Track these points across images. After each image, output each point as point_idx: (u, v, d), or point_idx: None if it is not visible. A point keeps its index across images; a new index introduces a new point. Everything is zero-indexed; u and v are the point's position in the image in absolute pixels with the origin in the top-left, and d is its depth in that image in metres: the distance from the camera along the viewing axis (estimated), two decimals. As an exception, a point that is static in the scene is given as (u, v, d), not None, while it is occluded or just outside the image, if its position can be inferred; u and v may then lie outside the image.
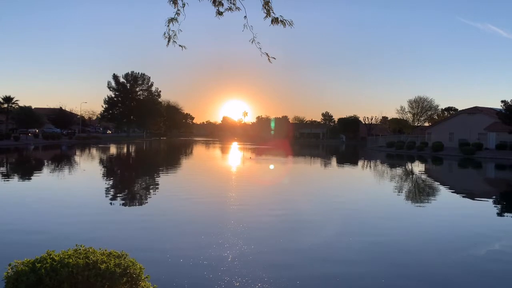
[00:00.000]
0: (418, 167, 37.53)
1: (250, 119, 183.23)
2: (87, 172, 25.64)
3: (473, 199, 18.09)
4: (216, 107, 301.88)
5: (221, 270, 7.22)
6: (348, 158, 52.55)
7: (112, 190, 18.56)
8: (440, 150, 56.41)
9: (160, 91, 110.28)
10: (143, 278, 3.89)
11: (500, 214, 14.78)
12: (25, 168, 28.41)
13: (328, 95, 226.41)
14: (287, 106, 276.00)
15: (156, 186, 20.02)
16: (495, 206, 16.57)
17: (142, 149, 60.70)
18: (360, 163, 43.27)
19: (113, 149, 55.87)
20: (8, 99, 73.58)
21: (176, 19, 4.90)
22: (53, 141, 67.51)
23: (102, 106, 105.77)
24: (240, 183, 21.91)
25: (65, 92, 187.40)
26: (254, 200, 15.81)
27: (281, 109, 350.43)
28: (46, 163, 33.03)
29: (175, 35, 5.00)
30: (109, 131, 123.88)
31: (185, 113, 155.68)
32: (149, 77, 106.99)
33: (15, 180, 21.15)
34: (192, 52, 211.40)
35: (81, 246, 3.96)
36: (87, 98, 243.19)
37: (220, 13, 4.96)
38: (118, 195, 17.05)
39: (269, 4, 4.84)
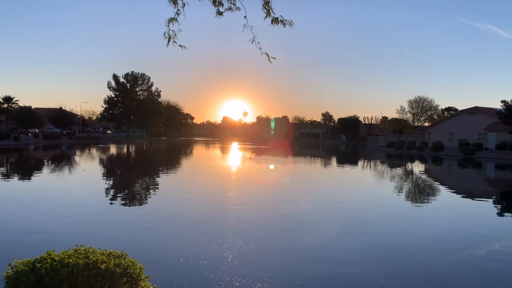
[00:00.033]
0: (418, 167, 37.53)
1: (250, 119, 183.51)
2: (87, 172, 25.64)
3: (473, 199, 18.09)
4: (216, 107, 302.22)
5: (221, 270, 7.22)
6: (348, 158, 52.55)
7: (112, 190, 18.56)
8: (440, 150, 56.41)
9: (160, 91, 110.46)
10: (143, 278, 3.89)
11: (500, 214, 14.78)
12: (25, 168, 28.41)
13: (328, 95, 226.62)
14: (287, 106, 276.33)
15: (156, 186, 20.02)
16: (495, 206, 16.57)
17: (142, 149, 60.71)
18: (360, 163, 43.27)
19: (113, 149, 55.88)
20: (8, 99, 73.59)
21: (176, 19, 4.90)
22: (53, 141, 67.51)
23: (102, 106, 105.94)
24: (240, 183, 21.91)
25: (65, 92, 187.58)
26: (254, 200, 15.82)
27: (281, 109, 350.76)
28: (46, 163, 33.03)
29: (175, 35, 5.00)
30: (109, 131, 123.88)
31: (185, 113, 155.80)
32: (149, 77, 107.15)
33: (15, 180, 21.15)
34: (192, 52, 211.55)
35: (81, 246, 3.96)
36: (87, 98, 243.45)
37: (220, 13, 4.96)
38: (118, 195, 17.06)
39: (269, 4, 4.84)
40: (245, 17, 4.89)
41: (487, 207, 15.92)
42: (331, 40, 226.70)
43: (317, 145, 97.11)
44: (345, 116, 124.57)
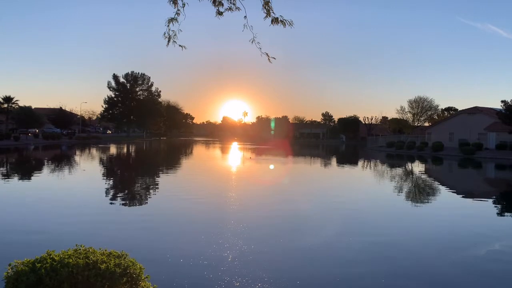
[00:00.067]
0: (418, 167, 37.53)
1: (250, 119, 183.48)
2: (87, 172, 25.64)
3: (473, 199, 18.09)
4: (216, 107, 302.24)
5: (221, 270, 7.22)
6: (348, 158, 52.55)
7: (112, 190, 18.56)
8: (440, 150, 56.41)
9: (160, 91, 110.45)
10: (143, 278, 3.89)
11: (500, 214, 14.78)
12: (25, 168, 28.41)
13: (328, 95, 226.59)
14: (287, 106, 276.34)
15: (156, 186, 20.02)
16: (495, 206, 16.57)
17: (142, 149, 60.71)
18: (360, 163, 43.27)
19: (113, 149, 55.88)
20: (8, 99, 73.58)
21: (176, 19, 4.90)
22: (53, 141, 67.52)
23: (102, 106, 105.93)
24: (240, 183, 21.92)
25: (65, 92, 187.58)
26: (254, 200, 15.82)
27: (281, 109, 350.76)
28: (46, 163, 33.03)
29: (175, 35, 5.00)
30: (109, 131, 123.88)
31: (185, 113, 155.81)
32: (149, 77, 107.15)
33: (15, 180, 21.15)
34: (192, 52, 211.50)
35: (81, 246, 3.96)
36: (87, 98, 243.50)
37: (220, 13, 4.96)
38: (118, 195, 17.06)
39: (269, 4, 4.84)
40: (245, 17, 4.89)
41: (487, 207, 15.92)
42: (331, 40, 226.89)
43: (317, 145, 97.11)
44: (345, 116, 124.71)
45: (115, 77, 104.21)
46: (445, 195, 19.04)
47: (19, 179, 21.80)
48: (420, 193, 20.04)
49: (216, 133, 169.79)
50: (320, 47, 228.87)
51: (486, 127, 59.44)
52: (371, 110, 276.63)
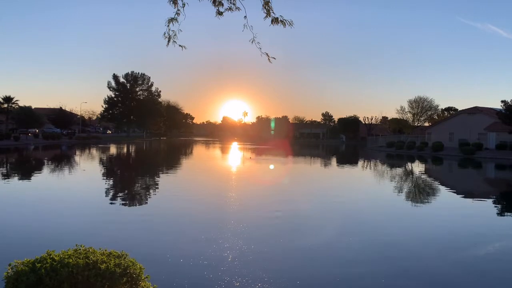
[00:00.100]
0: (418, 167, 37.53)
1: (250, 119, 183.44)
2: (87, 172, 25.65)
3: (473, 199, 18.09)
4: (216, 107, 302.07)
5: (221, 270, 7.22)
6: (348, 158, 52.55)
7: (112, 190, 18.56)
8: (440, 150, 56.41)
9: (160, 91, 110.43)
10: (143, 278, 3.89)
11: (500, 214, 14.78)
12: (25, 168, 28.41)
13: (328, 95, 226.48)
14: (287, 106, 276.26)
15: (156, 186, 20.02)
16: (495, 206, 16.57)
17: (142, 149, 60.71)
18: (360, 163, 43.27)
19: (113, 149, 55.88)
20: (8, 99, 73.57)
21: (176, 19, 4.90)
22: (53, 141, 67.51)
23: (102, 106, 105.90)
24: (240, 183, 21.92)
25: (65, 92, 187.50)
26: (254, 200, 15.82)
27: (281, 109, 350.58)
28: (46, 163, 33.03)
29: (175, 35, 5.00)
30: (109, 131, 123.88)
31: (185, 113, 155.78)
32: (149, 77, 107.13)
33: (15, 180, 21.14)
34: (192, 52, 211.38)
35: (81, 246, 3.96)
36: (87, 98, 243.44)
37: (220, 13, 4.96)
38: (118, 195, 17.06)
39: (269, 4, 4.84)
40: (245, 17, 4.89)
41: (487, 207, 15.92)
42: (331, 40, 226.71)
43: (317, 145, 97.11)
44: (345, 116, 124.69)
45: (115, 77, 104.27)
46: (445, 195, 19.04)
47: (19, 179, 21.79)
48: (420, 193, 20.05)
49: (216, 133, 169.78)
50: (320, 47, 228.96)
51: (486, 127, 59.45)
52: (371, 110, 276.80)
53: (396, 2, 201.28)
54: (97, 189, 17.96)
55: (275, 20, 4.91)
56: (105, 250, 3.95)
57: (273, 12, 4.87)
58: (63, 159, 37.97)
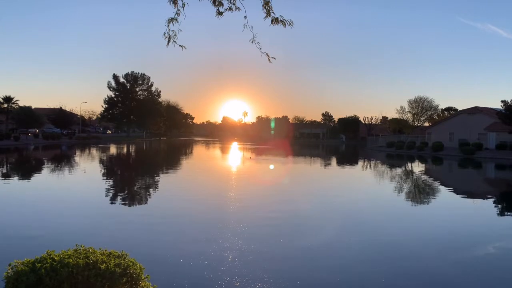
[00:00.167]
0: (418, 167, 37.53)
1: (250, 119, 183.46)
2: (87, 172, 25.64)
3: (473, 199, 18.09)
4: (216, 107, 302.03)
5: (221, 270, 7.22)
6: (348, 158, 52.55)
7: (112, 190, 18.55)
8: (440, 150, 56.41)
9: (160, 91, 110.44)
10: (143, 278, 3.89)
11: (500, 214, 14.79)
12: (25, 168, 28.40)
13: (328, 95, 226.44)
14: (287, 106, 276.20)
15: (156, 186, 20.02)
16: (495, 206, 16.57)
17: (142, 149, 60.71)
18: (360, 163, 43.27)
19: (113, 149, 55.87)
20: (8, 99, 73.57)
21: (176, 19, 4.90)
22: (53, 141, 67.51)
23: (102, 106, 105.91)
24: (240, 183, 21.91)
25: (65, 92, 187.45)
26: (254, 200, 15.81)
27: (281, 109, 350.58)
28: (46, 163, 33.02)
29: (175, 35, 5.00)
30: (109, 131, 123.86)
31: (185, 113, 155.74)
32: (149, 77, 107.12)
33: (15, 180, 21.14)
34: (192, 52, 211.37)
35: (81, 246, 3.96)
36: (87, 98, 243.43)
37: (220, 13, 4.96)
38: (118, 195, 17.06)
39: (269, 4, 4.84)
40: (245, 17, 4.89)
41: (487, 207, 15.92)
42: (331, 40, 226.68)
43: (317, 145, 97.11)
44: (345, 116, 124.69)
45: (115, 77, 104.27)
46: (445, 195, 19.04)
47: (19, 179, 21.79)
48: (420, 193, 20.05)
49: (216, 133, 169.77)
50: (320, 47, 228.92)
51: (486, 127, 59.45)
52: (371, 110, 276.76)
53: (396, 2, 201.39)
54: (97, 189, 17.96)
55: (275, 20, 4.91)
56: (105, 250, 3.95)
57: (273, 12, 4.88)
58: (63, 159, 37.97)
